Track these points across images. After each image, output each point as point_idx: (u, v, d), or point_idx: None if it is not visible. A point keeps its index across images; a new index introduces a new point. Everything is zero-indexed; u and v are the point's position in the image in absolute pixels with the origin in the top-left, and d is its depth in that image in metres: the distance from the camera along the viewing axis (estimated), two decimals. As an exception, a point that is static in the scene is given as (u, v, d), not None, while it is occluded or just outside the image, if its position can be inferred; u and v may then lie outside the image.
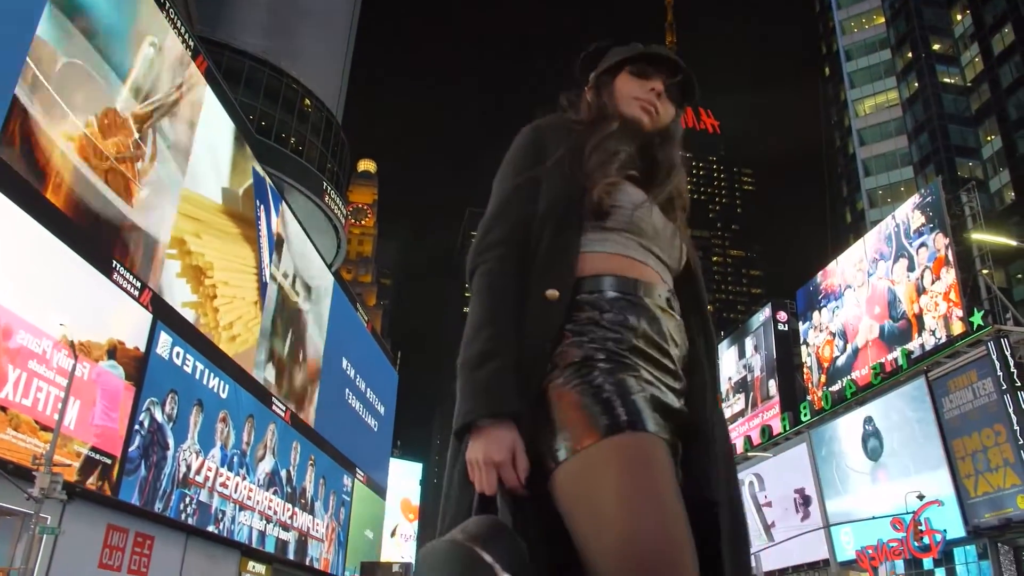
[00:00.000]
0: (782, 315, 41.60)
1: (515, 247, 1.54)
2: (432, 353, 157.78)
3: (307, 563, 32.26)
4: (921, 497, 25.95)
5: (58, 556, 16.40)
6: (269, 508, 28.03)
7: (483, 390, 1.37)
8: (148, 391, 20.20)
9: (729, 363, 45.18)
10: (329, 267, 38.04)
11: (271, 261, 29.40)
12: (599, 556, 1.25)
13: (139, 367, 19.86)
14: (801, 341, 39.56)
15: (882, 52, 53.08)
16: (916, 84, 48.98)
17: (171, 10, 22.26)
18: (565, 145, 1.66)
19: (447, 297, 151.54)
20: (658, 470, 1.30)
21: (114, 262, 18.95)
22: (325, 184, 39.45)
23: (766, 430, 38.47)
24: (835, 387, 34.74)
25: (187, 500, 22.00)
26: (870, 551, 28.38)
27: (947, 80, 47.90)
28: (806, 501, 34.67)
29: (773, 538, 33.63)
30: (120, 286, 19.16)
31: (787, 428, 36.68)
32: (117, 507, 18.94)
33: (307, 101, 40.33)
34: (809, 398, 36.66)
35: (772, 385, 40.72)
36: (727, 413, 37.37)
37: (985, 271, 29.11)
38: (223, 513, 24.22)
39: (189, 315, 23.01)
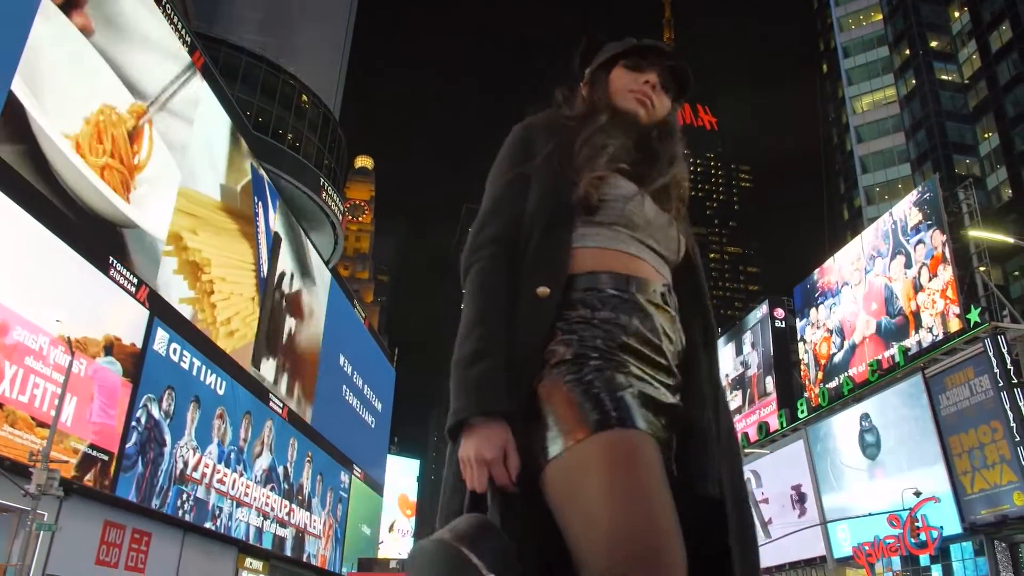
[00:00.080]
0: (779, 312, 41.66)
1: (507, 245, 1.54)
2: (430, 349, 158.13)
3: (304, 559, 32.30)
4: (918, 494, 26.02)
5: (55, 552, 16.38)
6: (266, 505, 28.04)
7: (474, 389, 1.37)
8: (145, 387, 20.19)
9: (726, 360, 45.22)
10: (326, 263, 38.03)
11: (269, 257, 29.38)
12: (588, 552, 1.25)
13: (136, 363, 19.85)
14: (798, 338, 39.61)
15: (880, 49, 53.11)
16: (914, 81, 49.01)
17: (168, 6, 22.22)
18: (555, 141, 1.65)
19: (444, 293, 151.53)
20: (646, 466, 1.30)
21: (111, 258, 18.93)
22: (322, 180, 39.41)
23: (763, 427, 38.55)
24: (832, 384, 34.79)
25: (184, 497, 22.00)
26: (867, 547, 28.45)
27: (945, 77, 47.94)
28: (803, 498, 34.75)
29: (770, 535, 33.67)
30: (117, 282, 19.14)
31: (784, 425, 36.76)
32: (114, 504, 18.95)
33: (304, 97, 40.26)
34: (806, 395, 36.71)
35: (769, 382, 40.79)
36: (724, 410, 37.30)
37: (982, 268, 29.14)
38: (220, 510, 24.22)
39: (186, 311, 22.99)
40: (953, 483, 25.87)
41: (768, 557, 33.31)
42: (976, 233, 27.98)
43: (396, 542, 60.63)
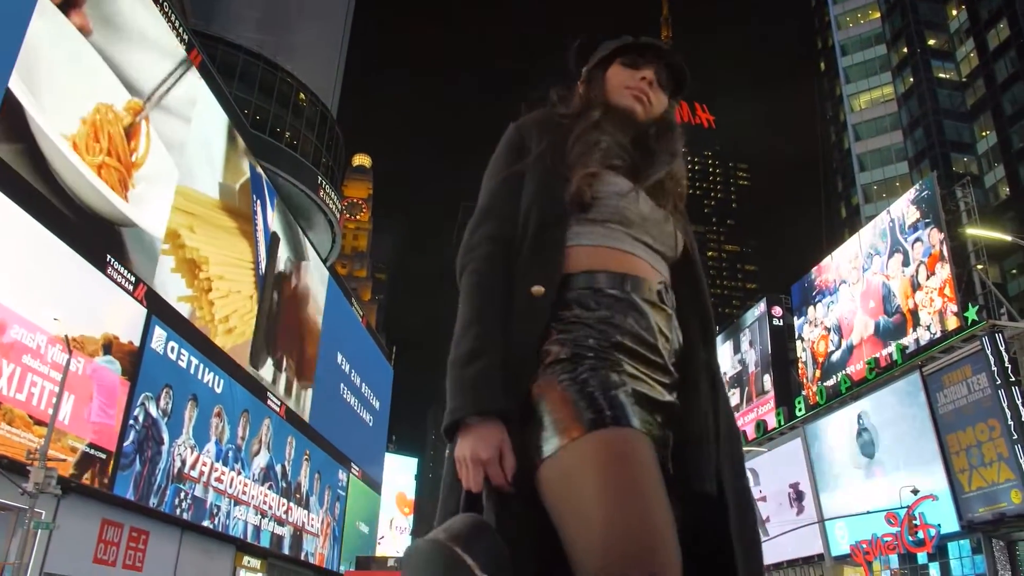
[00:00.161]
0: (777, 310, 41.71)
1: (502, 244, 1.54)
2: (427, 348, 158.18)
3: (302, 558, 32.30)
4: (915, 492, 26.05)
5: (53, 551, 16.37)
6: (264, 503, 28.03)
7: (470, 388, 1.37)
8: (142, 386, 20.17)
9: (724, 358, 45.23)
10: (324, 262, 38.00)
11: (267, 255, 29.36)
12: (583, 551, 1.24)
13: (133, 362, 19.83)
14: (796, 336, 39.66)
15: (877, 47, 53.10)
16: (911, 79, 49.02)
17: (165, 4, 22.18)
18: (549, 138, 1.65)
19: (442, 292, 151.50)
20: (640, 464, 1.30)
21: (108, 257, 18.91)
22: (320, 179, 39.38)
23: (761, 425, 38.57)
24: (830, 382, 34.82)
25: (182, 495, 21.99)
26: (864, 546, 28.49)
27: (942, 75, 47.97)
28: (800, 496, 34.77)
29: (768, 533, 33.69)
30: (115, 280, 19.12)
31: (782, 423, 36.78)
32: (112, 502, 18.93)
33: (302, 95, 40.22)
34: (804, 393, 36.73)
35: (767, 380, 40.84)
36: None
37: (980, 266, 29.18)
38: (218, 508, 24.22)
39: (184, 309, 22.96)
40: (951, 481, 25.90)
41: (766, 555, 32.68)
42: (974, 231, 28.01)
43: (394, 540, 60.64)
